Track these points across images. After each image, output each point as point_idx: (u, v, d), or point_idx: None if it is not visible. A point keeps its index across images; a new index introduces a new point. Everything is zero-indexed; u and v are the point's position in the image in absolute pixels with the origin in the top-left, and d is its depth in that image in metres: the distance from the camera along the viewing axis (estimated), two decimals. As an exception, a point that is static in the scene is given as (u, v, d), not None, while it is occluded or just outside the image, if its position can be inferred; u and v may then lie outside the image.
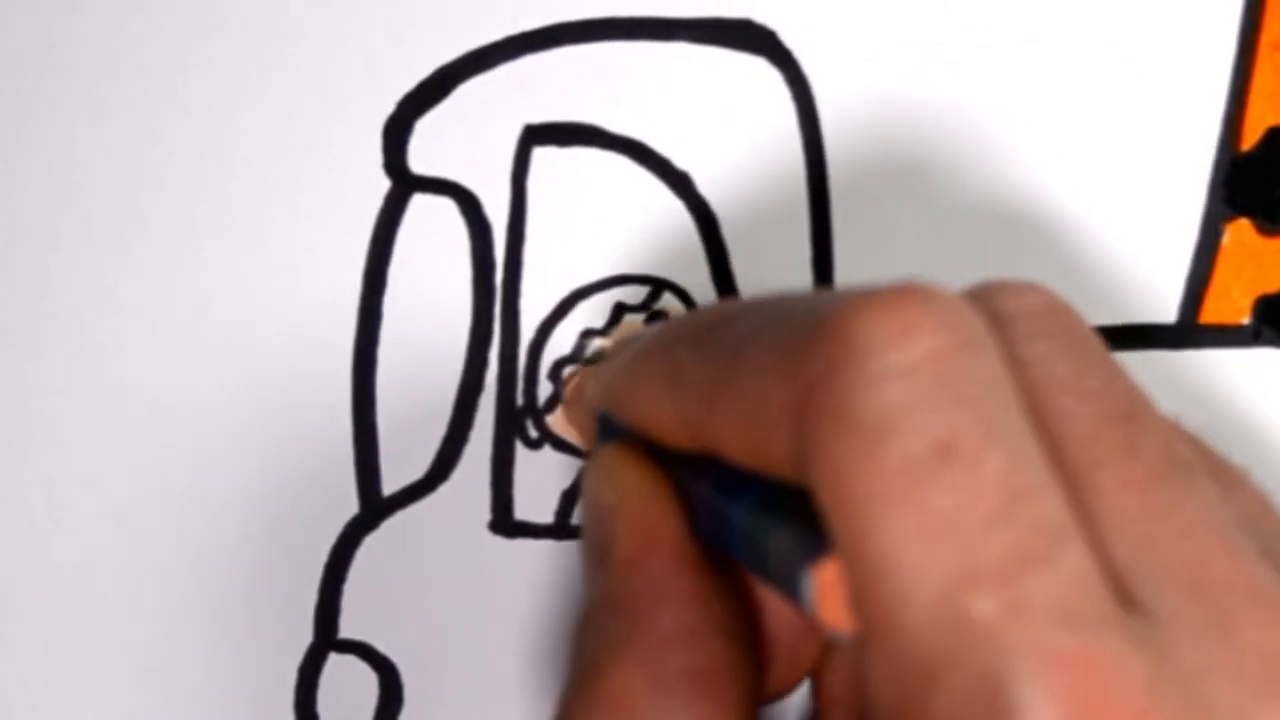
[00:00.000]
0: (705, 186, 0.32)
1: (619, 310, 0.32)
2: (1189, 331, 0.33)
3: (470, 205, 0.31)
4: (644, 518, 0.22)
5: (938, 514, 0.17)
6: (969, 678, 0.16)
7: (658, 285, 0.32)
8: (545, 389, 0.32)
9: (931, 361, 0.18)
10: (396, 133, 0.30)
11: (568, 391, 0.31)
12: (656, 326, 0.25)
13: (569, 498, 0.33)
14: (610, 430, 0.26)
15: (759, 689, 0.22)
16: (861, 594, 0.17)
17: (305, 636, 0.32)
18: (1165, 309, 0.33)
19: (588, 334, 0.32)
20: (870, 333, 0.18)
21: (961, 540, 0.17)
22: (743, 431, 0.20)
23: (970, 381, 0.18)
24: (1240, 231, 0.33)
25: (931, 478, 0.17)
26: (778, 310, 0.20)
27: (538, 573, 0.33)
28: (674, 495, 0.23)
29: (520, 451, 0.32)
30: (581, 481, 0.24)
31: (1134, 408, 0.19)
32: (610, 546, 0.22)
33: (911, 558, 0.17)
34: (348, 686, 0.32)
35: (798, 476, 0.19)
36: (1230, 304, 0.33)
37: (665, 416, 0.22)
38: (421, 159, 0.30)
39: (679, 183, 0.32)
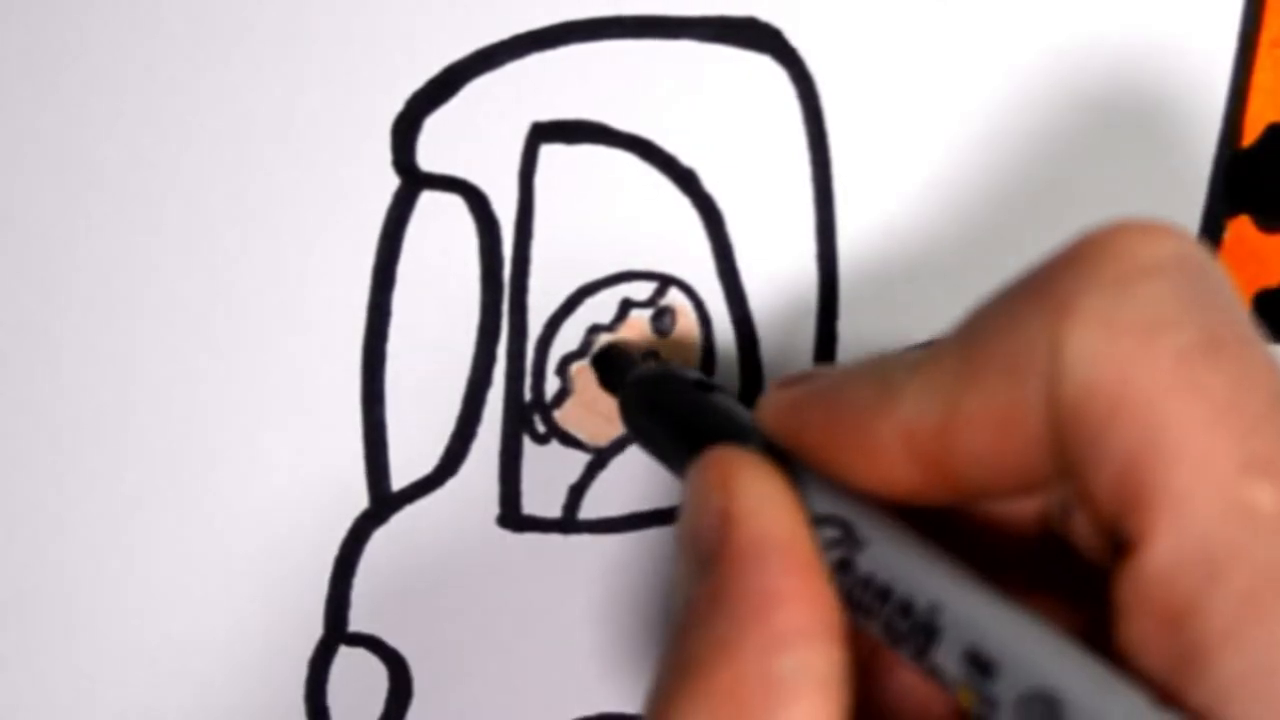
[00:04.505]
0: (711, 183, 0.32)
1: (625, 306, 0.32)
2: (1190, 326, 0.33)
3: (478, 202, 0.31)
4: (764, 519, 0.22)
5: (1218, 402, 0.17)
6: (1254, 568, 0.16)
7: (664, 281, 0.32)
8: (553, 384, 0.32)
9: (1180, 261, 0.18)
10: (405, 130, 0.30)
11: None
12: (838, 370, 0.24)
13: (576, 492, 0.33)
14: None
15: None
16: (1148, 492, 0.17)
17: (316, 630, 0.32)
18: (1166, 304, 0.33)
19: (594, 330, 0.32)
20: (1118, 239, 0.19)
21: (1243, 428, 0.17)
22: (995, 400, 0.19)
23: (1218, 282, 0.19)
24: (1240, 227, 0.33)
25: (1207, 368, 0.17)
26: (1005, 288, 0.20)
27: (546, 566, 0.33)
28: (796, 501, 0.22)
29: (528, 446, 0.32)
30: (687, 477, 0.24)
31: None
32: (722, 546, 0.22)
33: (1199, 445, 0.17)
34: (358, 680, 0.33)
35: (1060, 415, 0.18)
36: (1231, 299, 0.33)
37: (875, 444, 0.21)
38: (430, 156, 0.30)
39: (685, 180, 0.32)
